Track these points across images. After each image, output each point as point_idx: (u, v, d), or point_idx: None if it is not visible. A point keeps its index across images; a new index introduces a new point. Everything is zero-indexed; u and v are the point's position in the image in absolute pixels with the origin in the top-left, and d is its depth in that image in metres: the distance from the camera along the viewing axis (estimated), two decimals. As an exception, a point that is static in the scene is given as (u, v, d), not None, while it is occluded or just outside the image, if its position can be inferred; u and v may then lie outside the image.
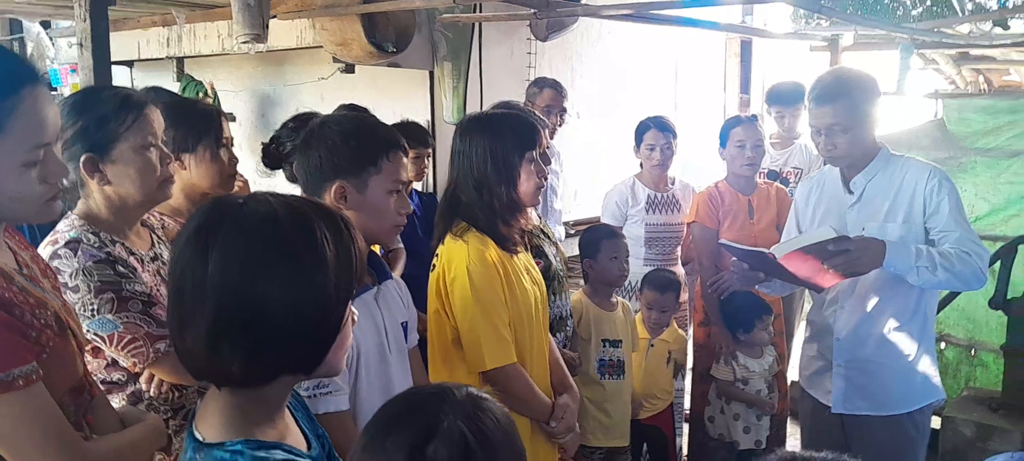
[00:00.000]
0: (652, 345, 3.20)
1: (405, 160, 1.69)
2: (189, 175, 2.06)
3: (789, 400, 3.56)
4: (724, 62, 6.07)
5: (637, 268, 3.37)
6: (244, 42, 2.87)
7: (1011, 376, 3.21)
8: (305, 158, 1.66)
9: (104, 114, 1.65)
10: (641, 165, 3.62)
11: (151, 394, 1.69)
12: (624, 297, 3.25)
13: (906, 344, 2.38)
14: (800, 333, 4.26)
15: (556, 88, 3.90)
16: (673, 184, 3.63)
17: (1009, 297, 3.20)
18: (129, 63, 5.37)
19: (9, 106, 1.16)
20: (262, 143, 2.61)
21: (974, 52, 5.49)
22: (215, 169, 2.11)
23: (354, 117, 1.69)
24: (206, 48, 4.59)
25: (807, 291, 3.46)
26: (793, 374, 3.38)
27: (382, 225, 1.67)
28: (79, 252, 1.59)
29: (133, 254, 1.70)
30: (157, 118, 1.74)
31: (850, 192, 2.40)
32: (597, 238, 2.93)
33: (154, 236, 1.83)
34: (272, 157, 2.56)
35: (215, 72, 5.26)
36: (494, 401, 1.00)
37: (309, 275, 1.02)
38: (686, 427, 3.67)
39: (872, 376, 2.39)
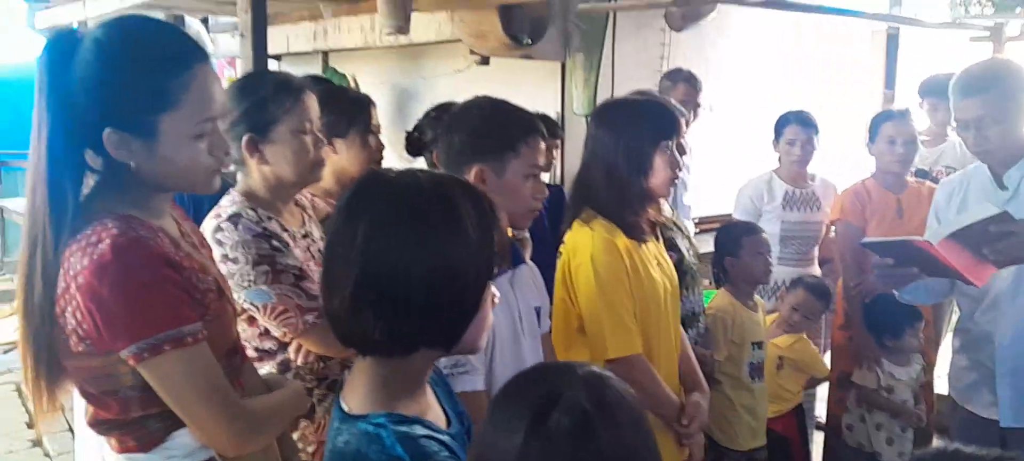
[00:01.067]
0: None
1: (542, 145, 1.72)
2: (339, 159, 2.18)
3: (936, 414, 3.34)
4: (871, 55, 5.74)
5: (770, 266, 3.25)
6: (389, 33, 2.98)
7: None
8: (447, 142, 1.72)
9: (265, 97, 1.76)
10: (780, 160, 3.50)
11: (298, 363, 1.79)
12: (762, 297, 3.16)
13: None
14: (947, 343, 3.98)
15: (690, 82, 3.82)
16: (813, 181, 3.49)
17: None
18: (278, 57, 5.69)
19: (184, 81, 1.26)
20: (405, 132, 2.73)
21: None
22: (364, 154, 2.21)
23: (494, 102, 1.74)
24: (350, 42, 4.79)
25: (956, 301, 3.24)
26: (941, 386, 3.17)
27: (518, 208, 1.70)
28: (239, 226, 1.70)
29: (286, 231, 1.80)
30: (313, 104, 1.83)
31: (1003, 188, 2.23)
32: (737, 234, 2.84)
33: (305, 215, 1.94)
34: (414, 145, 2.68)
35: (357, 66, 5.48)
36: (618, 379, 0.98)
37: (449, 248, 1.05)
38: (819, 435, 3.52)
39: None
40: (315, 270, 1.79)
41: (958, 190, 2.41)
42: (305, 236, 1.87)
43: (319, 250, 1.88)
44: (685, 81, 3.80)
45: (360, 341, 1.09)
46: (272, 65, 5.71)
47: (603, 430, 0.88)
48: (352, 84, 5.18)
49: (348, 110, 2.21)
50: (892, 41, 5.56)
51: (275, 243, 1.73)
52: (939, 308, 3.67)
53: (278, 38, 5.19)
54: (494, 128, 1.68)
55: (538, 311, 1.84)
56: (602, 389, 0.92)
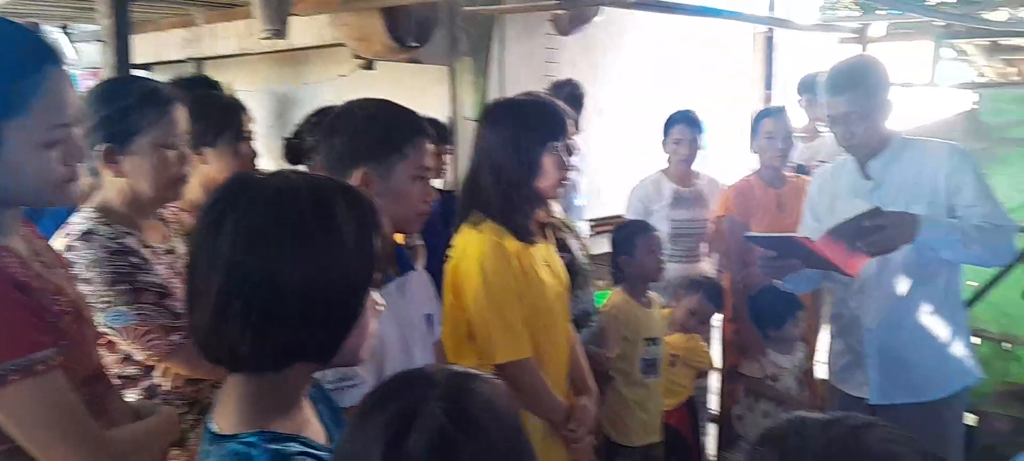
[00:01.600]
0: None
1: (429, 147, 1.65)
2: (209, 169, 2.04)
3: (820, 398, 3.48)
4: (751, 57, 5.98)
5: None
6: (265, 38, 2.85)
7: (1051, 371, 3.11)
8: (328, 145, 1.62)
9: (128, 106, 1.62)
10: (668, 160, 3.56)
11: (166, 388, 1.66)
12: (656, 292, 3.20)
13: (939, 327, 2.33)
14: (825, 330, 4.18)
15: (575, 94, 3.80)
16: (700, 179, 3.57)
17: (1047, 290, 3.11)
18: (148, 66, 5.39)
19: (32, 84, 1.15)
20: (284, 138, 2.58)
21: (1004, 42, 5.37)
22: (235, 163, 2.08)
23: (378, 102, 1.65)
24: (224, 48, 4.59)
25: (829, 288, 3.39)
26: (822, 371, 3.30)
27: (406, 213, 1.62)
28: (93, 243, 1.57)
29: (147, 246, 1.67)
30: (181, 117, 1.70)
31: (868, 178, 2.35)
32: (632, 234, 2.88)
33: (169, 229, 1.81)
34: (293, 151, 2.53)
35: (234, 73, 5.26)
36: (487, 379, 0.91)
37: (325, 254, 0.97)
38: (712, 427, 3.60)
39: (907, 363, 2.34)
40: (180, 288, 1.66)
41: (829, 181, 2.52)
42: (169, 252, 1.74)
43: (184, 266, 1.74)
44: (569, 95, 3.78)
45: (228, 357, 1.00)
46: (142, 76, 5.42)
47: (464, 444, 0.81)
48: (227, 91, 4.95)
49: (218, 116, 2.08)
50: (769, 43, 5.81)
51: (133, 260, 1.60)
52: (818, 296, 3.83)
53: (146, 46, 4.91)
54: (378, 129, 1.60)
55: (430, 318, 1.77)
56: (462, 399, 0.85)
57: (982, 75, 5.99)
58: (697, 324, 3.15)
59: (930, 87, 4.76)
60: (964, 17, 4.31)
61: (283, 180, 1.01)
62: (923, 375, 2.33)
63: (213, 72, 5.19)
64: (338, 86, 4.63)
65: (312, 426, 1.10)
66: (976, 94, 4.18)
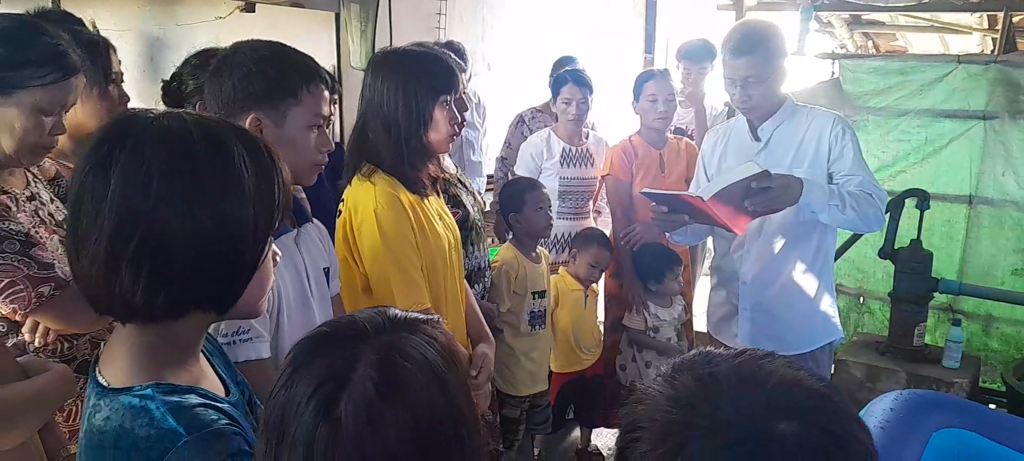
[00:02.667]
0: (587, 296, 3.24)
1: (326, 93, 1.57)
2: (74, 112, 1.88)
3: (695, 348, 3.67)
4: (632, 20, 6.11)
5: (550, 221, 3.36)
6: (133, -28, 2.63)
7: (896, 321, 3.41)
8: (216, 87, 1.51)
9: (28, 58, 1.46)
10: (557, 118, 3.60)
11: (36, 345, 1.54)
12: (545, 248, 3.26)
13: (809, 285, 2.48)
14: (702, 283, 4.40)
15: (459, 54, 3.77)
16: (587, 138, 3.63)
17: (896, 247, 3.38)
18: (-4, -3, 4.88)
19: None
20: (163, 80, 2.42)
21: (866, 17, 5.74)
22: (104, 107, 1.93)
23: (271, 44, 1.55)
24: (86, -18, 4.21)
25: (709, 241, 3.56)
26: (700, 323, 3.48)
27: (301, 162, 1.54)
28: None
29: (6, 193, 1.53)
30: (78, 86, 1.55)
31: (757, 139, 2.46)
32: (519, 190, 2.92)
33: (29, 175, 1.66)
34: (173, 95, 2.38)
35: (97, 10, 4.84)
36: (428, 324, 0.89)
37: (221, 200, 0.93)
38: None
39: (777, 317, 2.49)
40: (46, 237, 1.53)
41: (721, 140, 2.63)
42: (31, 199, 1.60)
43: (50, 214, 1.62)
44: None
45: (120, 306, 0.94)
46: (-11, 6, 4.91)
47: (395, 409, 0.79)
48: (91, 30, 4.56)
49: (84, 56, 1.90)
50: (651, 7, 5.94)
51: (-9, 208, 1.45)
52: (694, 252, 4.02)
53: (-5, -26, 4.43)
54: (272, 72, 1.49)
55: (327, 272, 1.72)
56: (394, 359, 0.82)
57: (843, 47, 6.38)
58: (598, 274, 3.25)
59: (797, 56, 5.03)
60: (830, -9, 4.58)
61: (174, 119, 0.95)
62: (791, 328, 2.48)
63: (73, 8, 4.77)
64: (215, 28, 4.36)
65: (209, 378, 1.06)
66: (837, 64, 4.44)
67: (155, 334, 0.97)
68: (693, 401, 0.71)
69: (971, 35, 6.12)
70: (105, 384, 0.97)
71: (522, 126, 4.04)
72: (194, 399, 0.96)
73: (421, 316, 0.90)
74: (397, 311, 0.89)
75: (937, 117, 4.04)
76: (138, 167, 0.90)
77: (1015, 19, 4.76)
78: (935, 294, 3.41)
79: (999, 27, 4.52)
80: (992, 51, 5.01)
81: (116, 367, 0.97)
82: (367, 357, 0.81)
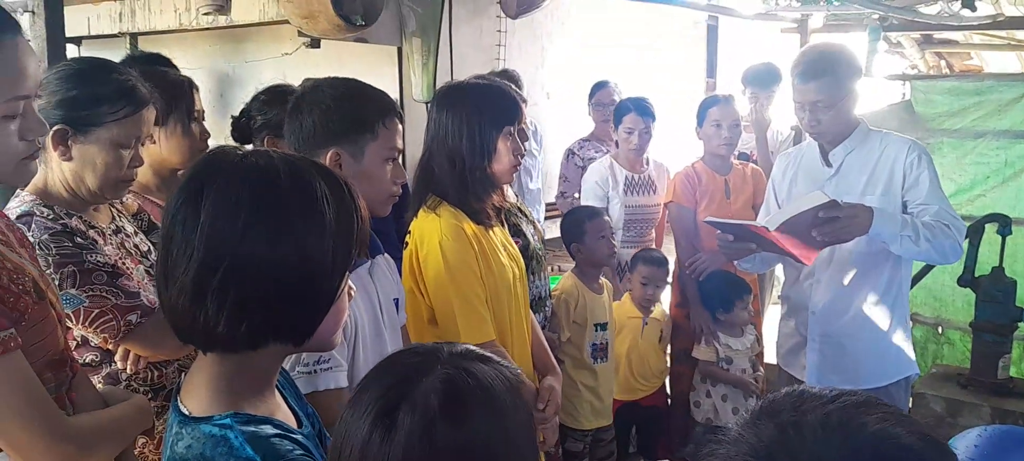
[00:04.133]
0: (646, 323, 3.20)
1: (400, 127, 1.60)
2: (158, 149, 1.95)
3: (766, 380, 3.56)
4: (694, 45, 6.05)
5: (614, 251, 3.33)
6: (207, 14, 2.73)
7: (978, 352, 3.25)
8: (296, 124, 1.56)
9: (100, 95, 1.53)
10: (617, 145, 3.58)
11: (128, 372, 1.59)
12: (607, 278, 3.23)
13: (881, 318, 2.38)
14: (771, 312, 4.28)
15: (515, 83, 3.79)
16: (648, 165, 3.60)
17: (977, 275, 3.24)
18: (77, 40, 5.14)
19: None
20: (232, 116, 2.50)
21: (937, 36, 5.57)
22: (186, 143, 2.00)
23: (346, 81, 1.60)
24: (161, 24, 4.41)
25: (779, 269, 3.46)
26: (770, 354, 3.38)
27: (378, 195, 1.58)
28: (33, 226, 1.48)
29: (93, 227, 1.59)
30: (149, 119, 1.62)
31: (828, 165, 2.39)
32: (581, 219, 2.90)
33: (114, 210, 1.72)
34: (242, 130, 2.45)
35: (170, 50, 5.04)
36: (496, 359, 0.90)
37: (303, 235, 0.96)
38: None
39: (846, 350, 2.39)
40: (132, 267, 1.59)
41: (792, 165, 2.56)
42: (116, 232, 1.66)
43: (135, 245, 1.67)
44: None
45: (203, 335, 0.98)
46: (71, 50, 5.17)
47: (448, 428, 0.81)
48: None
49: (167, 95, 1.98)
50: (712, 32, 5.87)
51: (79, 240, 1.51)
52: (762, 279, 3.92)
53: (77, 19, 4.68)
54: (349, 109, 1.54)
55: (396, 302, 1.75)
56: (461, 381, 0.84)
57: (914, 67, 6.20)
58: (653, 292, 3.20)
59: (866, 78, 4.89)
60: (899, 10, 4.45)
61: (261, 157, 0.99)
62: (861, 362, 2.38)
63: (148, 48, 4.98)
64: (282, 65, 4.50)
65: (282, 410, 1.09)
66: (908, 85, 4.31)
67: (234, 364, 1.00)
68: (772, 452, 0.66)
69: (1051, 52, 5.88)
70: (186, 412, 0.99)
71: (573, 158, 4.04)
72: (270, 429, 0.98)
73: (493, 355, 0.91)
74: (472, 346, 0.92)
75: (1016, 138, 3.88)
76: (227, 200, 0.94)
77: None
78: (1019, 324, 3.24)
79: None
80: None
81: (197, 396, 1.00)
82: (436, 372, 0.84)
